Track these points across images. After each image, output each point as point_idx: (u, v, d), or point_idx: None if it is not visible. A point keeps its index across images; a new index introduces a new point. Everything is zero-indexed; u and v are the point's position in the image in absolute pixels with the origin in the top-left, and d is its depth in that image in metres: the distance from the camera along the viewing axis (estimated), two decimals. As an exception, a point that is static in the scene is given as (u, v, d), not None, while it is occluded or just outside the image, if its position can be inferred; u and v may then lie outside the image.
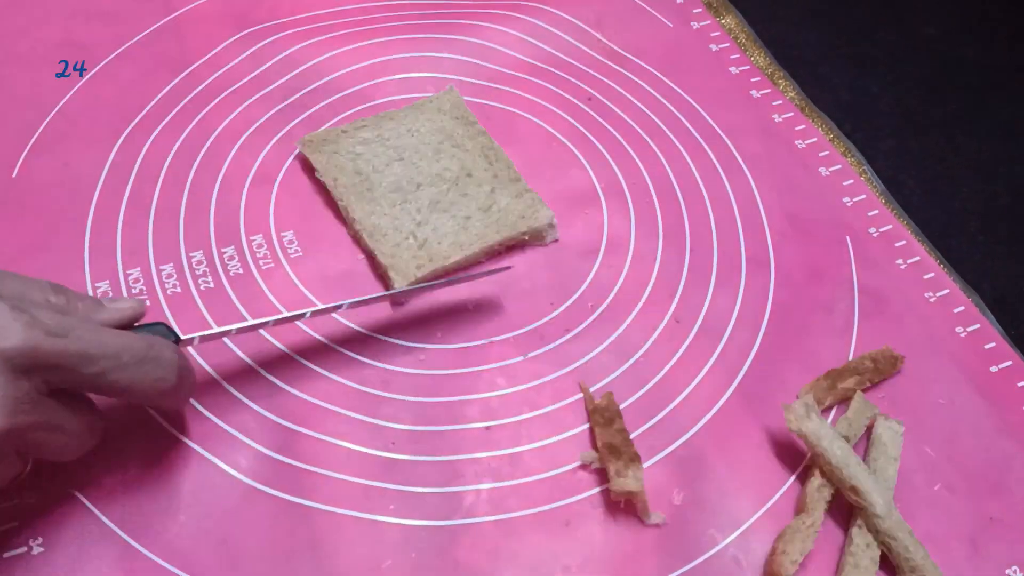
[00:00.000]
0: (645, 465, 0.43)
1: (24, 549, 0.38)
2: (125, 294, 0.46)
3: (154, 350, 0.36)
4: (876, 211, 0.55)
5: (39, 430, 0.33)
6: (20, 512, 0.39)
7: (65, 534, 0.38)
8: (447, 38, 0.62)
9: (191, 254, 0.49)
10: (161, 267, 0.48)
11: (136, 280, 0.47)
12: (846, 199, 0.55)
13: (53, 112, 0.54)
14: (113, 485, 0.40)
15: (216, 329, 0.40)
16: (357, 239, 0.50)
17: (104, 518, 0.39)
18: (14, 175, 0.51)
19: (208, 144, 0.54)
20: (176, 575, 0.38)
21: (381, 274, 0.48)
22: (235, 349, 0.45)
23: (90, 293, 0.46)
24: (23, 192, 0.50)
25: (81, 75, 0.55)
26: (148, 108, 0.55)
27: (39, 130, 0.53)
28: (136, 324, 0.38)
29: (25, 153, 0.52)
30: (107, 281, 0.47)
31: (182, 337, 0.39)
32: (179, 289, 0.47)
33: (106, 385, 0.34)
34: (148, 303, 0.40)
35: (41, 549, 0.38)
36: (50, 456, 0.35)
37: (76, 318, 0.35)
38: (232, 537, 0.39)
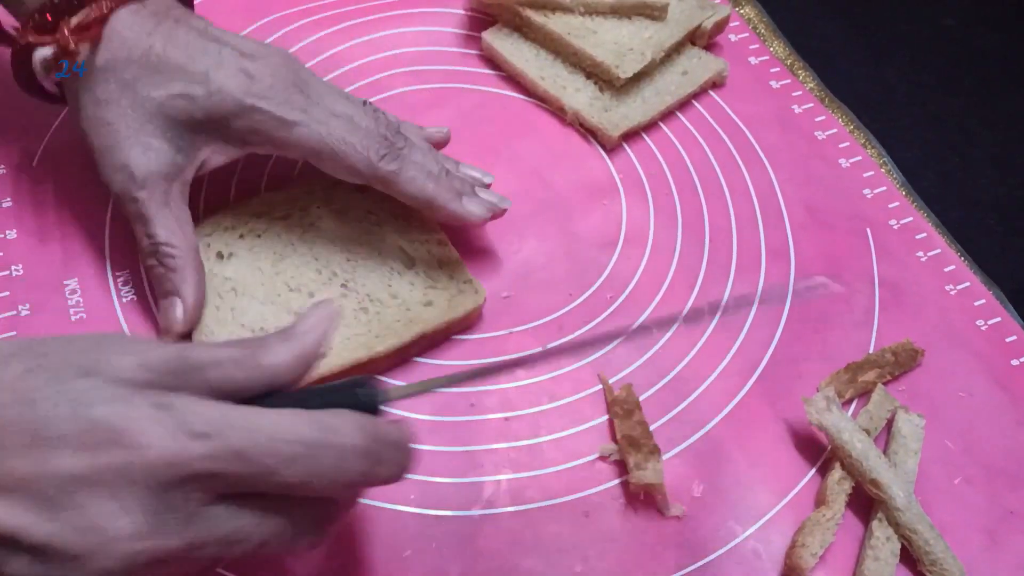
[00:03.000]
0: (664, 457, 0.43)
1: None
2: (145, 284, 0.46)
3: (331, 433, 0.28)
4: (896, 203, 0.54)
5: (204, 547, 0.27)
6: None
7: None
8: (465, 28, 0.61)
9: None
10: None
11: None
12: (866, 191, 0.55)
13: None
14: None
15: (415, 385, 0.33)
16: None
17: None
18: (34, 163, 0.51)
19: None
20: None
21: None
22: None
23: (110, 280, 0.46)
24: (43, 181, 0.50)
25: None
26: (167, 98, 0.55)
27: (59, 119, 0.53)
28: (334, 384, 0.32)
29: (45, 142, 0.52)
30: (128, 271, 0.47)
31: (381, 401, 0.31)
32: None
33: (275, 485, 0.28)
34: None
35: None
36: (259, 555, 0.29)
37: (234, 410, 0.28)
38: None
